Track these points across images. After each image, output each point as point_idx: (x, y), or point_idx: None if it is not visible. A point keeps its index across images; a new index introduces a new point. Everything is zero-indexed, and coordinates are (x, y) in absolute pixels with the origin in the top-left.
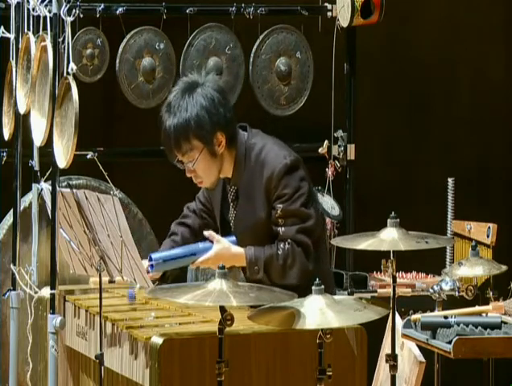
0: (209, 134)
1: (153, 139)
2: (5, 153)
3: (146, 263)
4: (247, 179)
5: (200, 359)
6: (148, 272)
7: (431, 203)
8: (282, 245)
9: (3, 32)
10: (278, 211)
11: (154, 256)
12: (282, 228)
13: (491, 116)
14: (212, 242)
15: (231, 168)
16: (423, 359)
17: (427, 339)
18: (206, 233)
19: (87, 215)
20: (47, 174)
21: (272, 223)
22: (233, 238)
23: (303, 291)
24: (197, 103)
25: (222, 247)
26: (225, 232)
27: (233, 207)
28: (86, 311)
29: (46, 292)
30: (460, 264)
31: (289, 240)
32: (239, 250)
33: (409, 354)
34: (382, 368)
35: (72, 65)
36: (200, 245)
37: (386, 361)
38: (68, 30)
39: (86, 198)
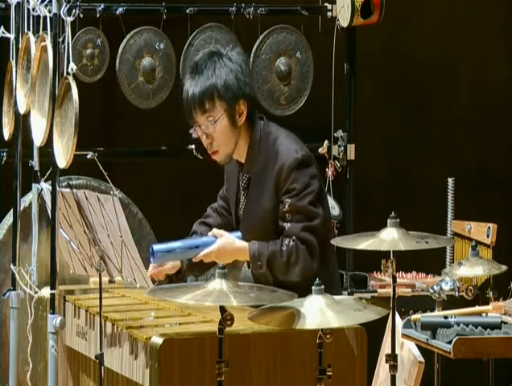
0: (234, 99)
1: (153, 139)
2: (5, 153)
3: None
4: (259, 168)
5: (200, 359)
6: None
7: (431, 203)
8: (286, 242)
9: (3, 32)
10: (286, 206)
11: (156, 247)
12: (288, 224)
13: (491, 116)
14: (216, 237)
15: (245, 151)
16: (423, 359)
17: (427, 339)
18: (210, 233)
19: (87, 215)
20: (47, 174)
21: (279, 217)
22: (239, 233)
23: (305, 291)
24: (226, 65)
25: (226, 241)
26: (239, 224)
27: (244, 196)
28: (86, 311)
29: (46, 292)
30: (460, 264)
31: (294, 237)
32: (243, 244)
33: (408, 354)
34: (382, 368)
35: (72, 65)
36: (204, 238)
37: (386, 361)
38: (68, 30)
39: (86, 198)
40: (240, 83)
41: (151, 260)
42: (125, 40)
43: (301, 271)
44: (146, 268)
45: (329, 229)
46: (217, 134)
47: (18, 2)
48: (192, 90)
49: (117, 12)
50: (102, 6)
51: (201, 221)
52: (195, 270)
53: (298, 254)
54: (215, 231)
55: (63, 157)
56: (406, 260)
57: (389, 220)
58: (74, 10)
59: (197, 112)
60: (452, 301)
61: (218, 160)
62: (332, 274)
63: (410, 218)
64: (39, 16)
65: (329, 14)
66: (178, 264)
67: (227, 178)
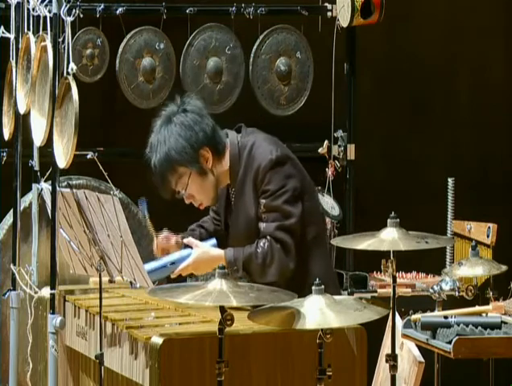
0: (193, 157)
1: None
2: (5, 154)
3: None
4: (241, 178)
5: (200, 359)
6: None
7: (431, 203)
8: (261, 243)
9: (3, 32)
10: (262, 207)
11: None
12: (264, 224)
13: (491, 116)
14: (191, 248)
15: (227, 175)
16: (423, 360)
17: (427, 339)
18: (185, 240)
19: (87, 215)
20: (47, 174)
21: (258, 219)
22: (214, 241)
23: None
24: (173, 133)
25: (201, 251)
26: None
27: (233, 208)
28: (86, 311)
29: (46, 292)
30: (460, 264)
31: (268, 237)
32: (218, 252)
33: (408, 354)
34: (382, 368)
35: (72, 65)
36: (177, 254)
37: (386, 361)
38: (68, 30)
39: (86, 198)
40: (191, 140)
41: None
42: (125, 40)
43: (277, 271)
44: None
45: (321, 228)
46: (194, 192)
47: (18, 2)
48: (153, 168)
49: (117, 12)
50: (102, 6)
51: (198, 224)
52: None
53: (273, 254)
54: (190, 239)
55: (63, 157)
56: (406, 260)
57: (389, 220)
58: (74, 10)
59: (167, 184)
60: (452, 301)
61: (208, 206)
62: (326, 273)
63: (410, 218)
64: (39, 16)
65: (329, 14)
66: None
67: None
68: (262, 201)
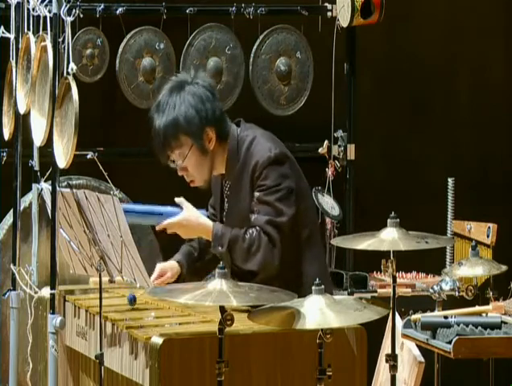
0: (198, 131)
1: (153, 139)
2: (5, 154)
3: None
4: (237, 172)
5: (200, 359)
6: None
7: (431, 203)
8: (250, 231)
9: (3, 32)
10: (255, 199)
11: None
12: (255, 215)
13: (491, 116)
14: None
15: (223, 164)
16: (423, 360)
17: (427, 339)
18: (177, 199)
19: (87, 215)
20: (47, 174)
21: (250, 210)
22: (204, 212)
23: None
24: (185, 100)
25: (191, 214)
26: None
27: (227, 202)
28: (86, 311)
29: (46, 292)
30: (460, 264)
31: (258, 228)
32: (207, 221)
33: (408, 354)
34: (382, 368)
35: (72, 65)
36: (169, 208)
37: (386, 361)
38: (68, 30)
39: (86, 198)
40: (201, 113)
41: None
42: (125, 40)
43: (260, 261)
44: (147, 269)
45: (316, 229)
46: (190, 167)
47: (18, 2)
48: (157, 130)
49: (117, 12)
50: (102, 6)
51: None
52: (194, 278)
53: (259, 244)
54: (182, 199)
55: (63, 157)
56: (406, 260)
57: (389, 220)
58: (74, 10)
59: (166, 150)
60: (452, 301)
61: (197, 186)
62: (321, 273)
63: (410, 218)
64: (39, 16)
65: (329, 14)
66: (178, 270)
67: (212, 187)
68: (256, 194)
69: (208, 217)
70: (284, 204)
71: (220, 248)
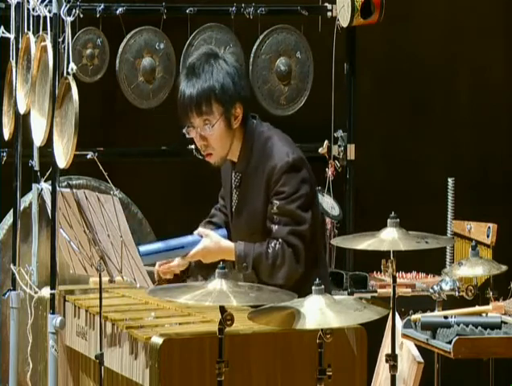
0: (230, 102)
1: (153, 139)
2: (5, 154)
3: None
4: (251, 168)
5: (200, 359)
6: None
7: (431, 203)
8: (273, 244)
9: (3, 32)
10: (274, 208)
11: (142, 249)
12: (276, 226)
13: (491, 116)
14: (201, 236)
15: (238, 150)
16: (422, 360)
17: (427, 339)
18: (196, 232)
19: (87, 215)
20: (47, 174)
21: (267, 218)
22: (224, 231)
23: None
24: (223, 68)
25: (211, 241)
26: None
27: (236, 194)
28: (86, 311)
29: (46, 292)
30: (460, 264)
31: (280, 240)
32: (229, 244)
33: (407, 354)
34: (382, 368)
35: (72, 65)
36: (190, 238)
37: (386, 361)
38: (68, 30)
39: (86, 198)
40: (236, 86)
41: None
42: (125, 40)
43: (286, 274)
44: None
45: (321, 232)
46: (213, 138)
47: (18, 2)
48: (189, 92)
49: (117, 12)
50: (102, 6)
51: (207, 221)
52: (203, 271)
53: (284, 257)
54: (200, 230)
55: (63, 157)
56: (406, 260)
57: (389, 220)
58: (74, 10)
59: (193, 114)
60: (452, 301)
61: (212, 162)
62: (323, 276)
63: (410, 218)
64: (39, 16)
65: (329, 14)
66: (185, 262)
67: (222, 177)
68: (276, 202)
69: (220, 210)
70: (304, 211)
71: (245, 269)
